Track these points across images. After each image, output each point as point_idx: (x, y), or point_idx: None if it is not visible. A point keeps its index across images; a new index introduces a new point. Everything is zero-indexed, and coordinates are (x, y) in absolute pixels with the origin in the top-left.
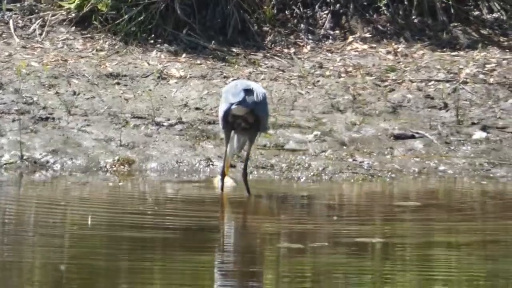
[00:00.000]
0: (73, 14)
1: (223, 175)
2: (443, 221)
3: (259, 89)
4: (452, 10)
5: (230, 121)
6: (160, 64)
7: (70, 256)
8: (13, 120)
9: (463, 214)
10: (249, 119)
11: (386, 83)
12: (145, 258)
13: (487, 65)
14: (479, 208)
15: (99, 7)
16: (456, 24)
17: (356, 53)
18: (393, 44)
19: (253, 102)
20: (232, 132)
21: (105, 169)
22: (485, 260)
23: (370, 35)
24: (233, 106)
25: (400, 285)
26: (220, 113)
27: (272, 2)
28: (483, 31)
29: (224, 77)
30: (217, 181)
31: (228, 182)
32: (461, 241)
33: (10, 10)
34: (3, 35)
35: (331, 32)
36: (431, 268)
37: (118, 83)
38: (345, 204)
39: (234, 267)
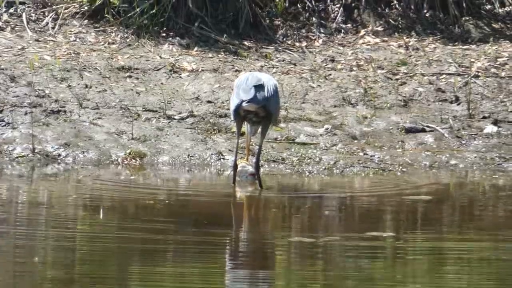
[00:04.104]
0: (86, 7)
1: (235, 168)
2: (453, 215)
3: (269, 81)
4: (463, 4)
5: (242, 115)
6: (172, 57)
7: None
8: (25, 113)
9: (473, 209)
10: (260, 114)
11: (397, 77)
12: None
13: (498, 59)
14: (490, 202)
15: (111, 0)
16: (467, 17)
17: (368, 46)
18: (404, 37)
19: (264, 98)
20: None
21: (117, 163)
22: (496, 254)
23: (382, 29)
24: (244, 104)
25: (411, 279)
26: (232, 107)
27: None
28: (495, 25)
29: (236, 70)
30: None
31: (249, 169)
32: (471, 236)
33: (23, 3)
34: (16, 28)
35: (343, 26)
36: (440, 264)
37: (130, 76)
38: (356, 198)
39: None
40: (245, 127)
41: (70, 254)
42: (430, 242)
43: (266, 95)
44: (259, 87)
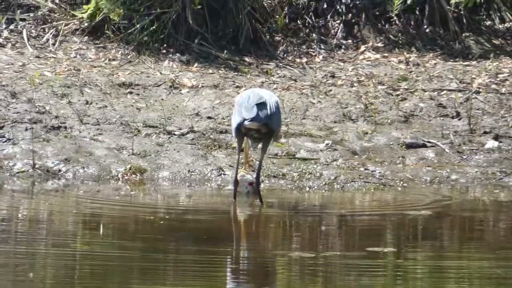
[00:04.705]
0: (86, 24)
1: (235, 183)
2: (454, 231)
3: (271, 98)
4: (464, 20)
5: (243, 132)
6: (172, 73)
7: None
8: (26, 129)
9: (474, 225)
10: (262, 130)
11: (398, 92)
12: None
13: (499, 75)
14: (491, 217)
15: (111, 17)
16: (468, 34)
17: (368, 62)
18: (405, 53)
19: (267, 116)
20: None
21: (117, 178)
22: (497, 268)
23: (382, 45)
24: (246, 122)
25: None
26: (233, 125)
27: (284, 12)
28: (495, 41)
29: (236, 86)
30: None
31: (248, 178)
32: (472, 252)
33: (23, 20)
34: (17, 45)
35: (343, 42)
36: (441, 282)
37: (130, 92)
38: (357, 214)
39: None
40: (246, 141)
41: (69, 272)
42: (430, 260)
43: (268, 113)
44: (261, 105)
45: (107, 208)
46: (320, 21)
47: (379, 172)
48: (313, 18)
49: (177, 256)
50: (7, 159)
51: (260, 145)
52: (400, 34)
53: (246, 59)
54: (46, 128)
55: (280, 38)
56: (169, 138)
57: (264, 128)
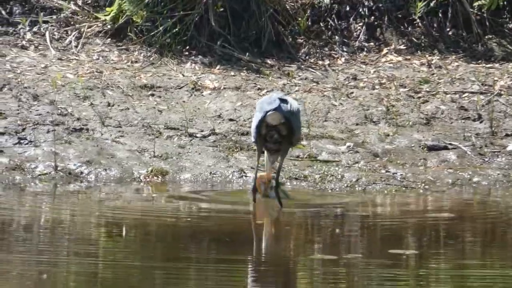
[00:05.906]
0: (109, 26)
1: (254, 188)
2: (477, 233)
3: (293, 102)
4: (487, 22)
5: (263, 133)
6: (194, 75)
7: None
8: (48, 131)
9: (497, 226)
10: (282, 131)
11: (419, 95)
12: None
13: None
14: None
15: (134, 19)
16: (491, 36)
17: (391, 65)
18: (427, 56)
19: (288, 110)
20: (264, 152)
21: (139, 180)
22: None
23: (404, 47)
24: (269, 113)
25: None
26: (254, 123)
27: (306, 14)
28: None
29: (258, 88)
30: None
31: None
32: (495, 255)
33: (46, 22)
34: (39, 47)
35: (366, 44)
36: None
37: (152, 95)
38: (379, 215)
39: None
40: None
41: (91, 281)
42: (453, 265)
43: (289, 109)
44: (283, 100)
45: (130, 211)
46: (343, 24)
47: (401, 175)
48: (335, 20)
49: (197, 257)
50: (29, 162)
51: (278, 158)
52: (422, 37)
53: (268, 61)
54: (68, 130)
55: (302, 41)
56: (191, 140)
57: (284, 127)
